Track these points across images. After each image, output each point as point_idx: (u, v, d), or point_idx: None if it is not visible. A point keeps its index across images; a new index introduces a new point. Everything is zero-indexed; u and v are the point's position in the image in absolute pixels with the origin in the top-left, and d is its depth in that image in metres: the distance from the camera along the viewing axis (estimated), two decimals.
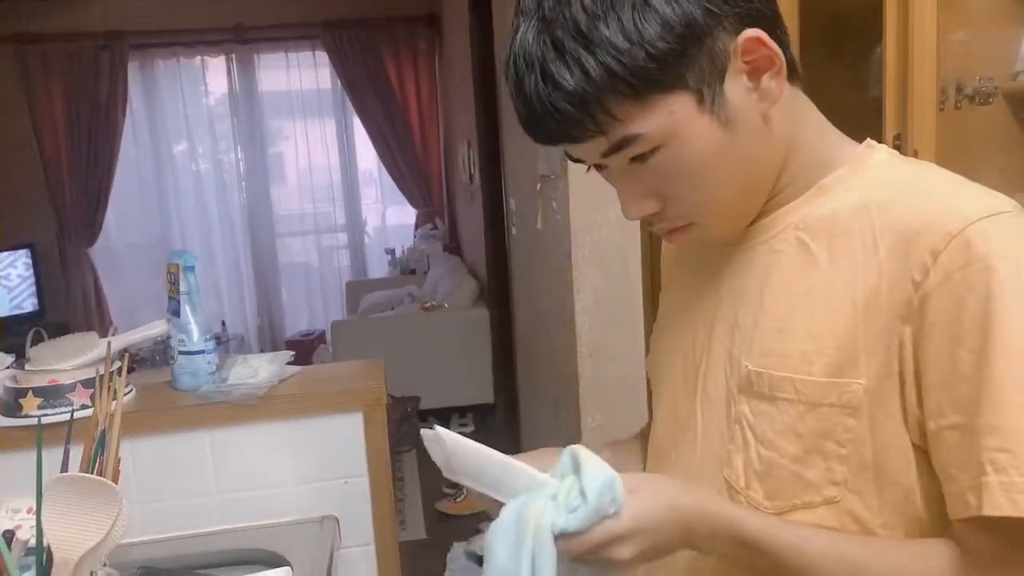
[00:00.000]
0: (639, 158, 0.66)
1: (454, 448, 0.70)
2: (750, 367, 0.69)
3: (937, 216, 0.62)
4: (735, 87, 0.65)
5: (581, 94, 0.62)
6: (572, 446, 0.67)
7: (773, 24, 0.67)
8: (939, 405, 0.61)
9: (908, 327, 0.62)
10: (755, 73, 0.65)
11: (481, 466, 0.69)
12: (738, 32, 0.64)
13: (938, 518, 0.64)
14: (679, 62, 0.62)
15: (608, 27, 0.61)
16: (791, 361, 0.67)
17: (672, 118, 0.64)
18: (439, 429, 0.71)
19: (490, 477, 0.68)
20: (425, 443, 0.73)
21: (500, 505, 0.65)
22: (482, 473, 0.69)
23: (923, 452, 0.64)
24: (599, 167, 0.70)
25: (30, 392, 1.20)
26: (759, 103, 0.66)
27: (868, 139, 0.74)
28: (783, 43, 0.67)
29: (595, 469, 0.62)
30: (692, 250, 0.84)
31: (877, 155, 0.71)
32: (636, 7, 0.61)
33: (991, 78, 1.45)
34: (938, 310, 0.61)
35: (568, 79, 0.62)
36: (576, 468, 0.64)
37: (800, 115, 0.71)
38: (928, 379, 0.62)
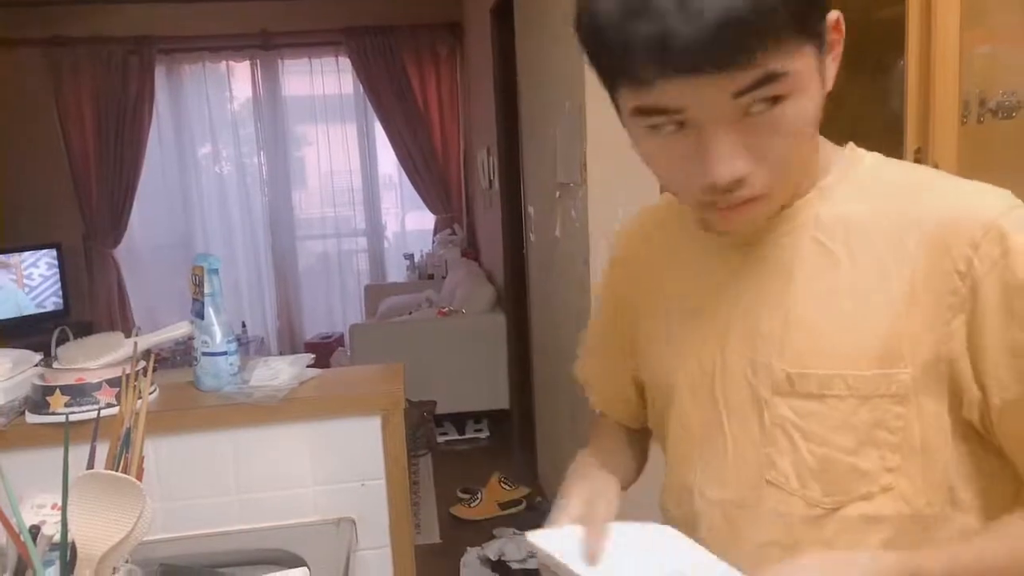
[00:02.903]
0: (764, 104, 0.61)
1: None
2: (788, 369, 0.70)
3: (966, 210, 0.66)
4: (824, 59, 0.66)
5: (768, 5, 0.57)
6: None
7: None
8: (1001, 380, 0.65)
9: (961, 315, 0.66)
10: (831, 51, 0.67)
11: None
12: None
13: (965, 481, 0.69)
14: (820, 11, 0.63)
15: None
16: (837, 359, 0.68)
17: (806, 66, 0.62)
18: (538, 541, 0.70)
19: None
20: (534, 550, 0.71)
21: None
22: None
23: (965, 427, 0.68)
24: (681, 124, 0.64)
25: (58, 390, 1.23)
26: (826, 83, 0.67)
27: (849, 143, 0.76)
28: None
29: None
30: (683, 265, 0.81)
31: (868, 158, 0.74)
32: None
33: (1014, 92, 1.44)
34: (990, 296, 0.65)
35: None
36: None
37: None
38: (989, 359, 0.66)
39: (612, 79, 0.66)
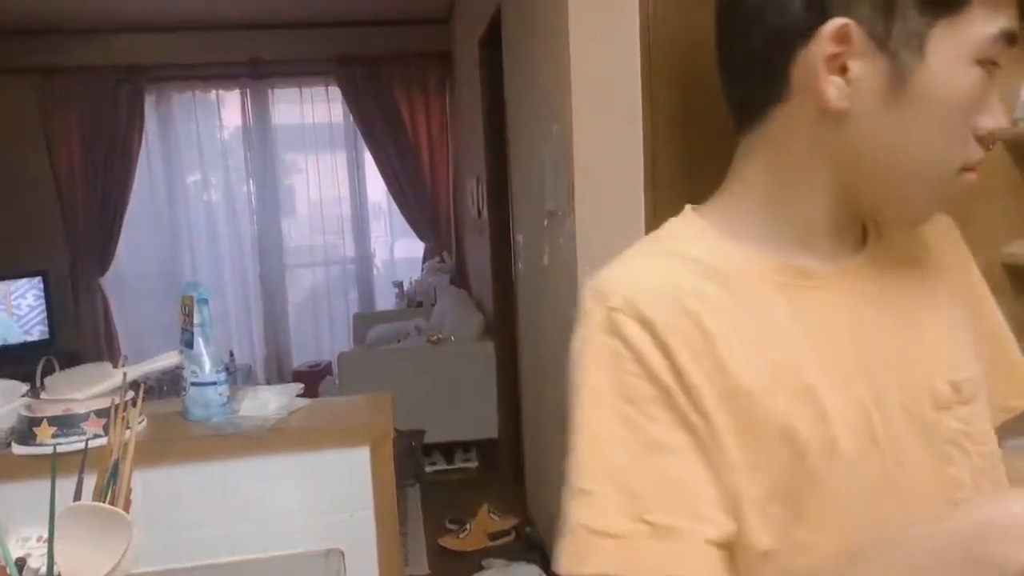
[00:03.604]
0: None
1: None
2: (949, 379, 0.68)
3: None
4: None
5: None
6: None
7: None
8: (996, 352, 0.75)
9: (969, 307, 0.73)
10: None
11: None
12: None
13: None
14: None
15: None
16: (966, 363, 0.71)
17: None
18: None
19: None
20: None
21: None
22: None
23: None
24: (995, 63, 0.60)
25: (45, 421, 1.22)
26: None
27: None
28: None
29: None
30: (759, 334, 0.64)
31: None
32: None
33: None
34: (980, 282, 0.75)
35: None
36: None
37: None
38: (992, 332, 0.74)
39: (965, 2, 0.58)
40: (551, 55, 2.46)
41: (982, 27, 0.58)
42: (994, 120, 0.62)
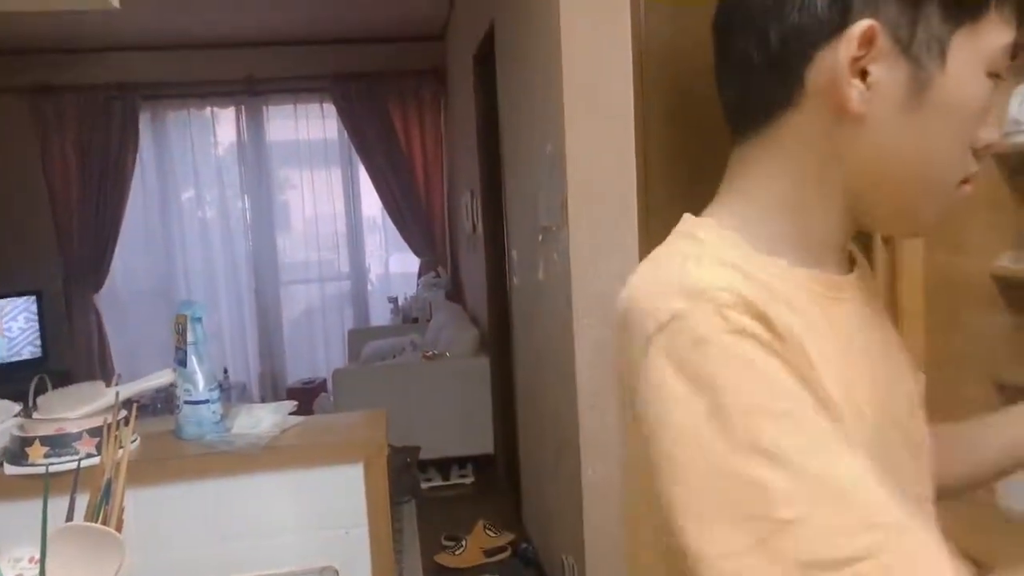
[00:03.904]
0: None
1: None
2: (913, 388, 0.73)
3: None
4: None
5: None
6: None
7: None
8: None
9: None
10: None
11: None
12: None
13: None
14: None
15: None
16: (917, 375, 0.74)
17: None
18: None
19: None
20: None
21: None
22: None
23: None
24: (999, 76, 0.60)
25: (37, 440, 1.21)
26: None
27: None
28: None
29: None
30: (827, 330, 0.62)
31: None
32: None
33: None
34: None
35: None
36: None
37: None
38: None
39: (985, 11, 0.58)
40: (544, 71, 2.48)
41: (996, 37, 0.58)
42: (992, 134, 0.61)
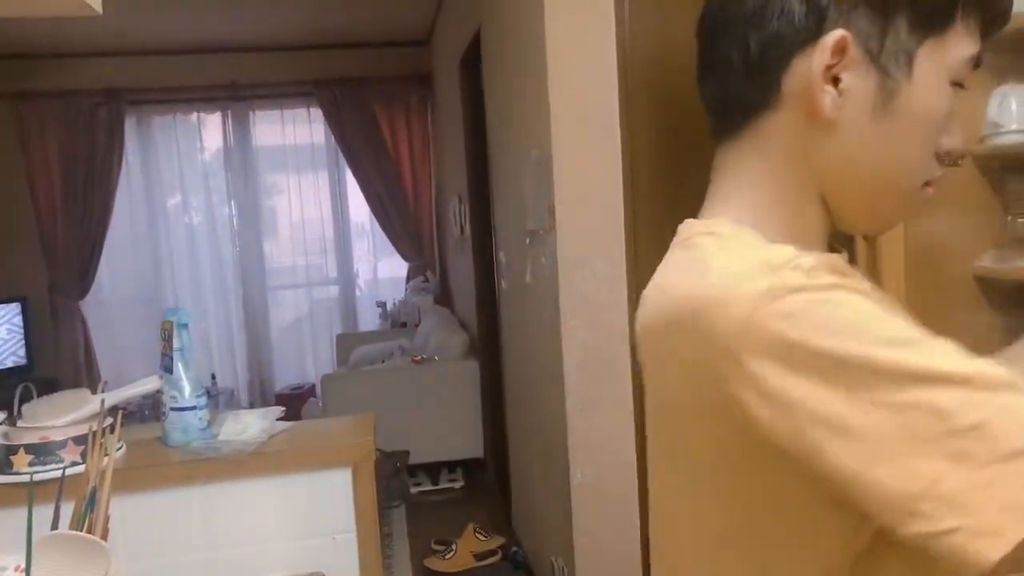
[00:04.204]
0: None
1: None
2: None
3: None
4: None
5: None
6: None
7: None
8: None
9: None
10: None
11: None
12: None
13: None
14: None
15: None
16: None
17: None
18: None
19: None
20: None
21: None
22: None
23: None
24: (961, 85, 0.64)
25: (21, 449, 1.21)
26: None
27: None
28: None
29: None
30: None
31: None
32: None
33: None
34: None
35: None
36: None
37: None
38: None
39: (951, 24, 0.61)
40: (530, 75, 2.49)
41: (961, 49, 0.62)
42: (953, 140, 0.65)
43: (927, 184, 0.66)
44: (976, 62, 0.63)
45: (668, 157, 2.09)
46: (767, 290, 0.54)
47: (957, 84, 0.63)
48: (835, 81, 0.61)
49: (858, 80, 0.61)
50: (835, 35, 0.60)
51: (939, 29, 0.61)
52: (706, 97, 0.70)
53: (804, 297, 0.53)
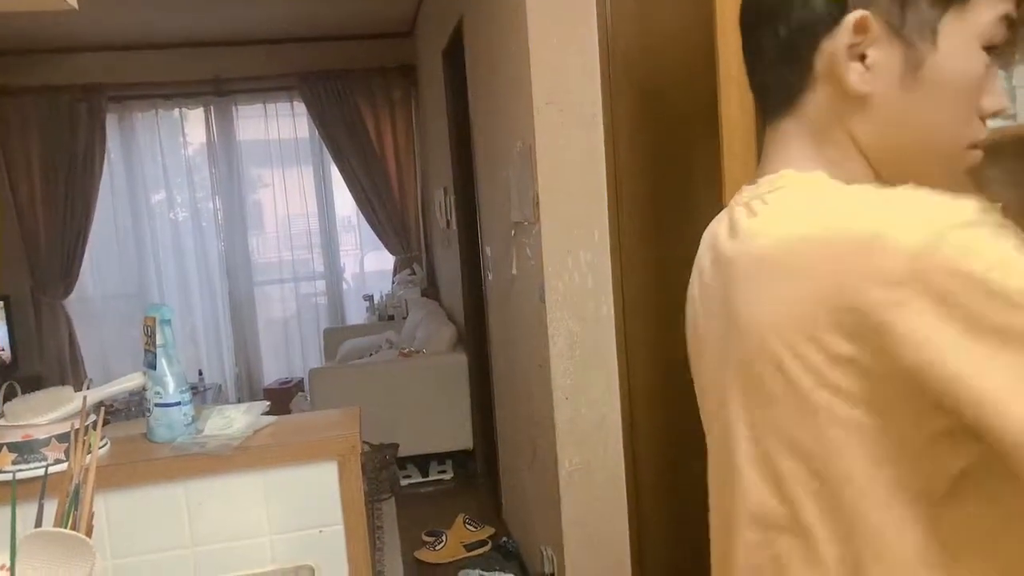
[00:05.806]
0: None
1: None
2: None
3: None
4: None
5: None
6: None
7: None
8: None
9: None
10: None
11: None
12: None
13: None
14: None
15: None
16: None
17: None
18: None
19: None
20: None
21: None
22: None
23: None
24: (996, 47, 0.66)
25: (4, 447, 1.20)
26: None
27: None
28: None
29: None
30: None
31: None
32: None
33: None
34: None
35: None
36: None
37: None
38: None
39: None
40: (513, 65, 2.49)
41: (987, 13, 0.64)
42: (996, 102, 0.67)
43: (973, 146, 0.68)
44: (1010, 21, 0.65)
45: (651, 147, 2.10)
46: (962, 222, 0.55)
47: (991, 47, 0.65)
48: (862, 58, 0.65)
49: (884, 54, 0.65)
50: (856, 15, 0.65)
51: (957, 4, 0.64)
52: (752, 83, 0.75)
53: (984, 232, 0.55)
